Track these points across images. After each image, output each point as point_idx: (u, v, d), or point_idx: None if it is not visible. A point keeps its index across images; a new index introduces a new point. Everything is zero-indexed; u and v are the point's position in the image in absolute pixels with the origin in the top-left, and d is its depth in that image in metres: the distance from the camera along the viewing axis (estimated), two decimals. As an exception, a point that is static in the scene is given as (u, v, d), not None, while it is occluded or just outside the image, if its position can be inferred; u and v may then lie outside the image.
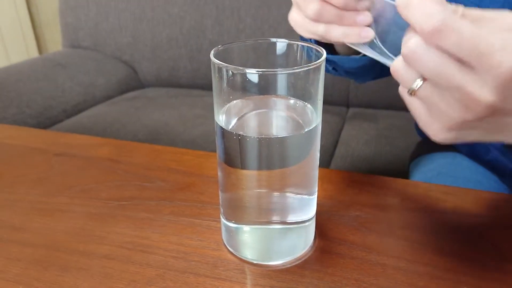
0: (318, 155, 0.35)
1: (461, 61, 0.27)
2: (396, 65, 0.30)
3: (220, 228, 0.40)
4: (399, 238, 0.39)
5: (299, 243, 0.37)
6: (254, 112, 0.34)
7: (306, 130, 0.32)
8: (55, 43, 1.97)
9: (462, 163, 0.62)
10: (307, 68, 0.30)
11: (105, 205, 0.44)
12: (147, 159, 0.53)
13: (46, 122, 1.10)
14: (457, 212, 0.42)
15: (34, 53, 1.96)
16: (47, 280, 0.35)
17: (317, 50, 0.33)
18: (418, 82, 0.29)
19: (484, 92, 0.26)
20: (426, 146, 0.71)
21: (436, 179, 0.60)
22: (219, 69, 0.31)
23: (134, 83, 1.40)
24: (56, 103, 1.15)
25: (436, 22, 0.26)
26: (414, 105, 0.31)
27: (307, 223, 0.36)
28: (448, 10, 0.26)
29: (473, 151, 0.62)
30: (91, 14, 1.39)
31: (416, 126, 0.75)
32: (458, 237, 0.39)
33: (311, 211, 0.37)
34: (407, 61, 0.28)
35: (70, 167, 0.52)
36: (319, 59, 0.31)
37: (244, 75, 0.30)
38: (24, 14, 1.89)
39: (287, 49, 0.35)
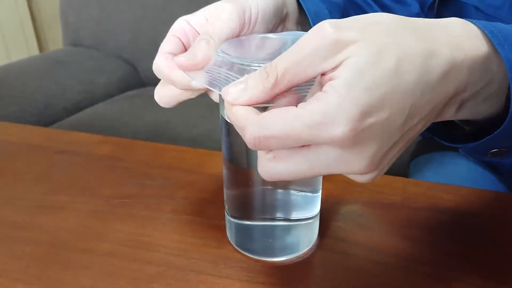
0: None
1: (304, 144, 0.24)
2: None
3: (221, 225, 0.40)
4: (400, 236, 0.39)
5: (303, 240, 0.37)
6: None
7: None
8: (56, 41, 1.96)
9: (461, 162, 0.62)
10: None
11: (107, 203, 0.44)
12: (149, 157, 0.53)
13: (46, 120, 1.10)
14: (458, 210, 0.42)
15: (35, 52, 1.96)
16: (48, 278, 0.35)
17: None
18: None
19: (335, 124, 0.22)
20: (426, 146, 0.71)
21: (434, 177, 0.60)
22: None
23: (135, 81, 1.40)
24: (57, 101, 1.15)
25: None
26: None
27: (311, 220, 0.37)
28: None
29: None
30: (92, 12, 1.38)
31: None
32: (458, 235, 0.39)
33: (315, 208, 0.37)
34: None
35: (71, 164, 0.52)
36: None
37: (250, 70, 0.29)
38: (25, 13, 1.89)
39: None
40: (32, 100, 1.10)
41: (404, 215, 0.42)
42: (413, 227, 0.41)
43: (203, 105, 1.15)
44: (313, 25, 0.33)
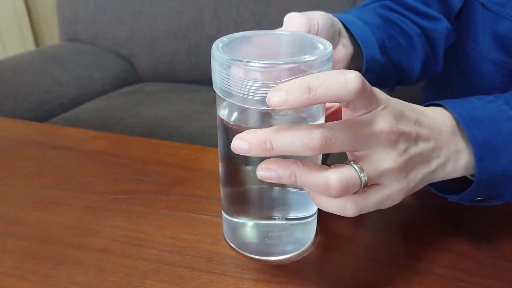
0: None
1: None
2: (332, 179, 0.27)
3: (216, 222, 0.40)
4: (397, 235, 0.39)
5: (301, 239, 0.37)
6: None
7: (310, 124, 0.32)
8: (52, 36, 1.96)
9: None
10: (313, 60, 0.28)
11: (101, 198, 0.44)
12: (144, 153, 0.53)
13: (43, 116, 1.10)
14: (454, 208, 0.42)
15: (31, 46, 1.95)
16: (41, 273, 0.35)
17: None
18: (357, 168, 0.28)
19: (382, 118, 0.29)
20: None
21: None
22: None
23: (131, 77, 1.39)
24: (53, 96, 1.14)
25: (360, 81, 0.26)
26: (373, 197, 0.30)
27: (309, 219, 0.36)
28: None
29: None
30: (89, 7, 1.38)
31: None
32: (454, 233, 0.39)
33: (313, 207, 0.36)
34: (326, 149, 0.27)
35: (66, 160, 0.52)
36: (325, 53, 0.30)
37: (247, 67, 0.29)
38: (21, 7, 1.88)
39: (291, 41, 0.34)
40: (28, 96, 1.09)
41: (400, 214, 0.42)
42: (409, 225, 0.41)
43: (200, 101, 1.15)
44: (362, 46, 0.45)
